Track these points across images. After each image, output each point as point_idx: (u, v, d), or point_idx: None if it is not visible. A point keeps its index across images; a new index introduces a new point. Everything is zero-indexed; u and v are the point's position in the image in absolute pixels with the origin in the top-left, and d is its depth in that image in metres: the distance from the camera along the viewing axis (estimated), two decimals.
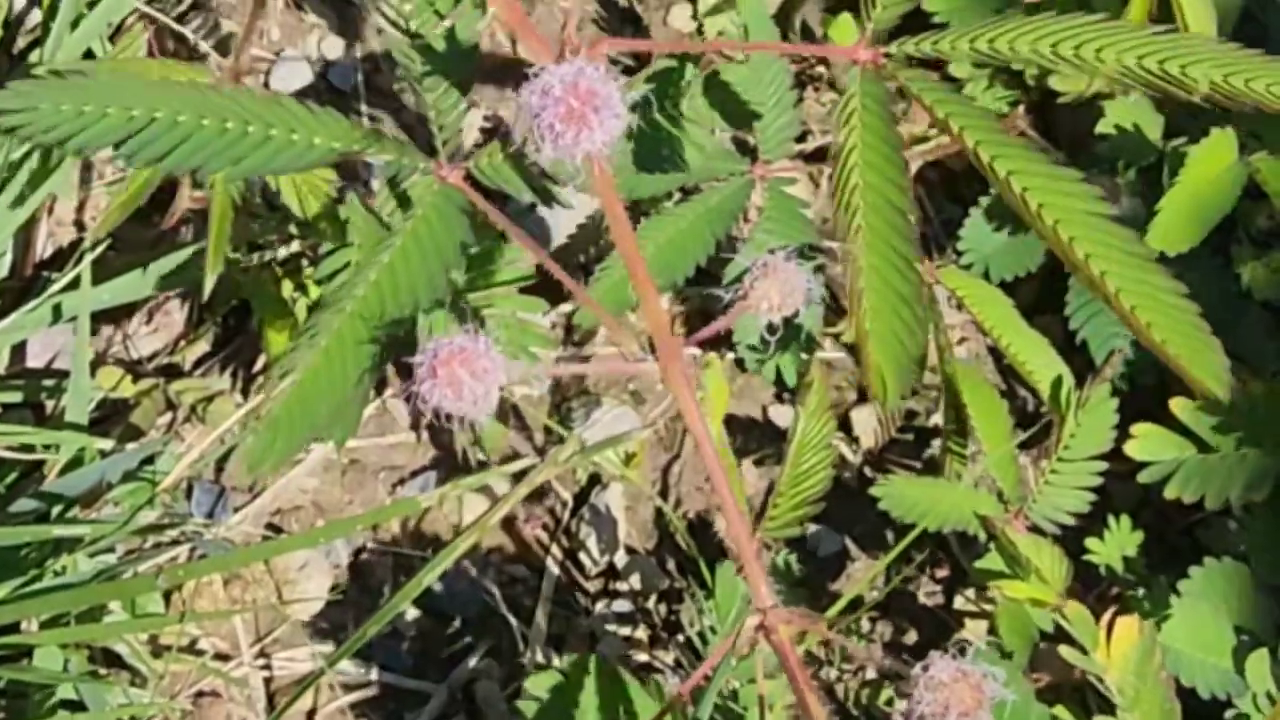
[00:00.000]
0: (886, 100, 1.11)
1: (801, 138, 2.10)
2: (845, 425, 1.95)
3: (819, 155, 2.14)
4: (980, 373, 1.78)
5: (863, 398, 1.97)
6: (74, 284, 1.59)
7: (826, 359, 1.99)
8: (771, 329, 1.21)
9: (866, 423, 1.96)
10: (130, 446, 1.52)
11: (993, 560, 1.69)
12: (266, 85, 2.02)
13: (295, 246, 1.66)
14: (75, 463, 1.52)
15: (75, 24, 1.66)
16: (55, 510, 1.49)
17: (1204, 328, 1.07)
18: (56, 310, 1.61)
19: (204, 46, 1.90)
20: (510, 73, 2.09)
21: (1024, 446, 1.88)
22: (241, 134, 1.25)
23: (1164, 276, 1.08)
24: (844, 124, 1.10)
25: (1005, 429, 1.74)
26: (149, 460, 1.63)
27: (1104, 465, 1.73)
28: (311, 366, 1.22)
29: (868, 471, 1.94)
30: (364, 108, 2.05)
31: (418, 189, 1.36)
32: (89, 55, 1.75)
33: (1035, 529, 1.72)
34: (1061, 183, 1.10)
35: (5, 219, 1.61)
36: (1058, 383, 1.74)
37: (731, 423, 1.91)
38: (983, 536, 1.72)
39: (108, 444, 1.52)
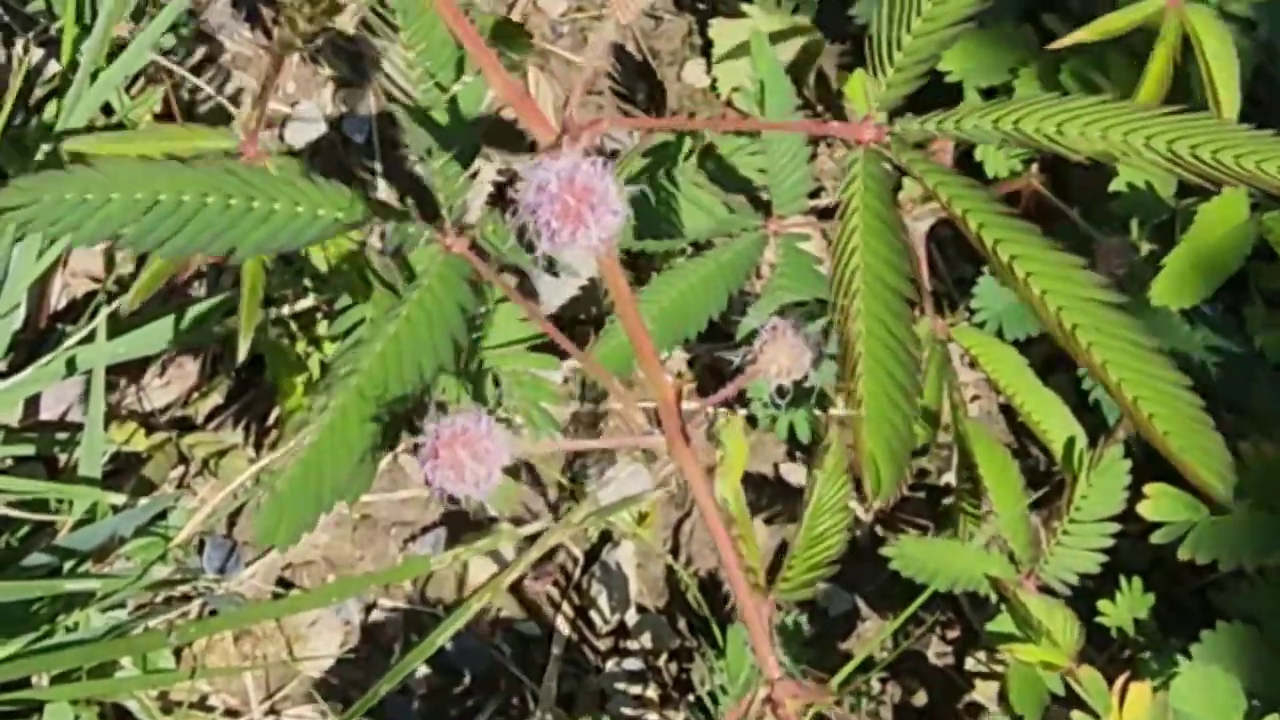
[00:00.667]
0: (888, 182, 1.11)
1: (815, 194, 2.11)
2: (857, 483, 1.95)
3: (832, 212, 2.13)
4: (992, 433, 1.78)
5: None
6: (89, 338, 1.60)
7: (841, 417, 1.98)
8: (781, 392, 1.22)
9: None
10: (143, 501, 1.53)
11: (1004, 622, 1.69)
12: (281, 138, 2.04)
13: (310, 300, 1.66)
14: (88, 517, 1.53)
15: (94, 76, 1.67)
16: (67, 565, 1.50)
17: (1207, 422, 1.06)
18: (71, 364, 1.62)
19: (221, 100, 1.91)
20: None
21: (1036, 505, 1.87)
22: (245, 210, 1.26)
23: (1168, 369, 1.08)
24: (845, 208, 1.11)
25: (1017, 490, 1.74)
26: (161, 515, 1.63)
27: (1116, 527, 1.73)
28: (316, 443, 1.23)
29: (879, 530, 1.94)
30: (377, 158, 2.06)
31: (423, 258, 1.36)
32: (107, 109, 1.76)
33: (1047, 589, 1.72)
34: (1065, 269, 1.10)
35: (21, 274, 1.62)
36: (1070, 443, 1.74)
37: (744, 480, 1.90)
38: (994, 597, 1.72)
39: (120, 499, 1.53)
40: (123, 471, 1.77)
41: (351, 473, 1.22)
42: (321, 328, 1.74)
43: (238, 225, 1.25)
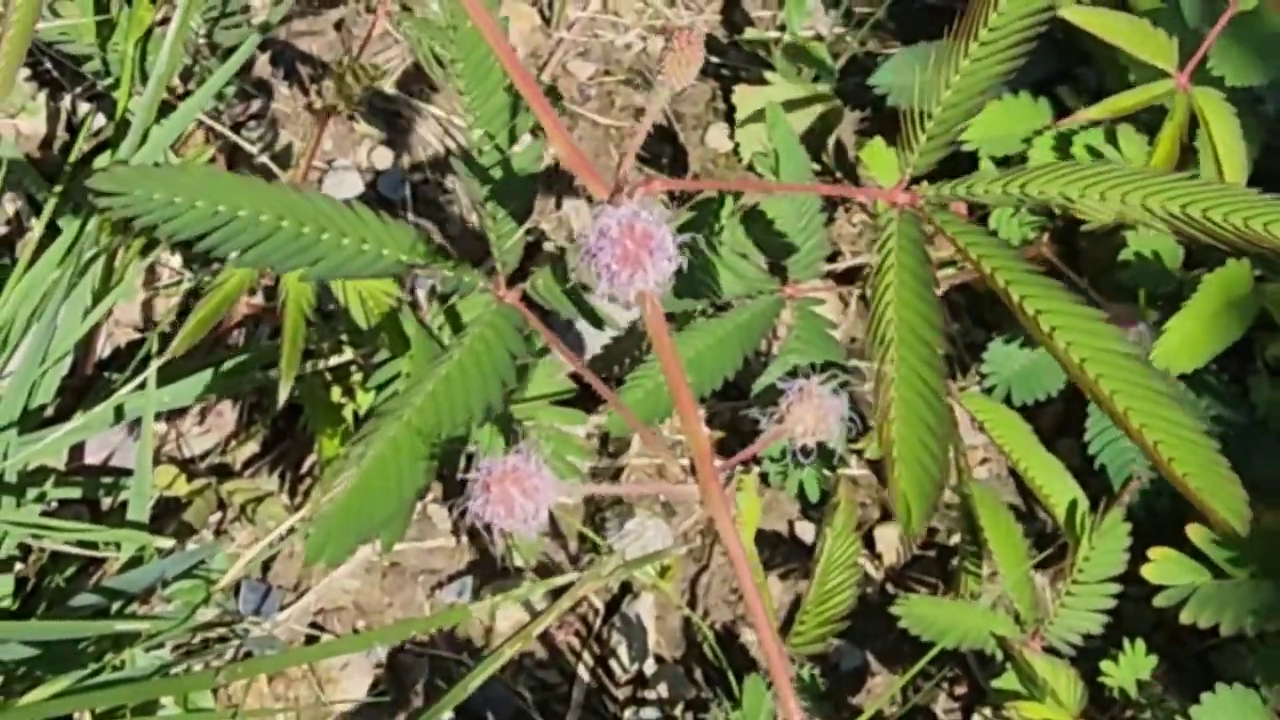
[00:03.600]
0: (922, 241, 1.18)
1: (832, 258, 2.18)
2: (869, 542, 2.01)
3: (848, 276, 2.21)
4: (998, 496, 1.83)
5: (886, 515, 2.03)
6: (137, 384, 1.66)
7: (851, 475, 2.05)
8: (806, 452, 1.28)
9: (889, 540, 2.02)
10: (190, 546, 1.58)
11: (1010, 680, 1.74)
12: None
13: (347, 354, 1.72)
14: (135, 560, 1.58)
15: (144, 137, 1.73)
16: (114, 605, 1.55)
17: (1224, 463, 1.13)
18: (118, 411, 1.67)
19: (264, 159, 1.98)
20: (552, 186, 2.18)
21: (1043, 566, 1.93)
22: (316, 239, 1.33)
23: (1186, 414, 1.14)
24: (881, 265, 1.17)
25: (1021, 552, 1.79)
26: (201, 560, 1.68)
27: (1118, 587, 1.78)
28: (366, 470, 1.29)
29: (890, 588, 2.00)
30: (410, 216, 2.13)
31: (474, 306, 1.43)
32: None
33: (1051, 650, 1.77)
34: (1088, 322, 1.16)
35: (71, 327, 1.68)
36: (1073, 506, 1.80)
37: (758, 538, 1.96)
38: (1000, 656, 1.77)
39: (167, 543, 1.58)
40: (163, 515, 1.82)
41: (397, 506, 1.28)
42: (357, 381, 1.80)
43: (307, 251, 1.33)
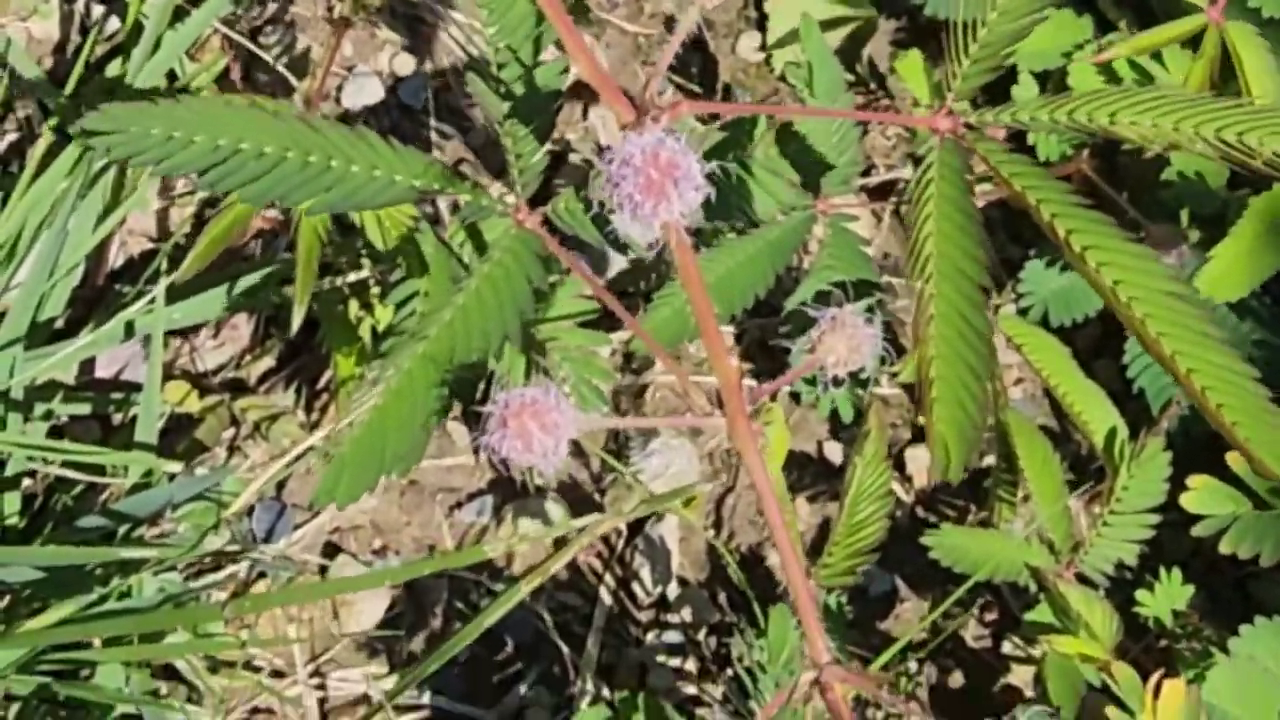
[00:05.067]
0: (965, 171, 1.12)
1: (865, 172, 2.12)
2: (899, 464, 1.96)
3: (882, 190, 2.15)
4: (1034, 425, 1.78)
5: (917, 436, 1.98)
6: (147, 302, 1.61)
7: (882, 395, 2.00)
8: (837, 382, 1.23)
9: (920, 462, 1.97)
10: (199, 471, 1.54)
11: (1043, 612, 1.70)
12: (338, 101, 2.04)
13: (364, 270, 1.67)
14: (144, 482, 1.54)
15: (157, 43, 1.67)
16: (122, 529, 1.51)
17: (1275, 412, 1.08)
18: (129, 327, 1.63)
19: (280, 68, 1.92)
20: (579, 94, 2.12)
21: (1076, 486, 1.89)
22: (324, 168, 1.27)
23: (1236, 359, 1.09)
24: (920, 195, 1.12)
25: (1058, 482, 1.75)
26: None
27: (1156, 518, 1.74)
28: (381, 406, 1.24)
29: (920, 511, 1.95)
30: (433, 124, 2.07)
31: (494, 230, 1.37)
32: (170, 74, 1.77)
33: (1085, 579, 1.73)
34: (1138, 260, 1.11)
35: (82, 237, 1.63)
36: (1111, 434, 1.75)
37: (786, 459, 1.92)
38: (1034, 587, 1.73)
39: (176, 466, 1.54)
40: (174, 431, 1.78)
41: (412, 439, 1.23)
42: (375, 296, 1.75)
43: (314, 182, 1.26)
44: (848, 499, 1.57)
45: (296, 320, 1.50)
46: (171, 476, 1.55)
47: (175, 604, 1.50)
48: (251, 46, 1.95)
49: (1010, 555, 1.72)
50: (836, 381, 1.23)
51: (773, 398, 1.90)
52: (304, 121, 1.28)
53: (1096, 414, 1.77)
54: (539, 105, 1.32)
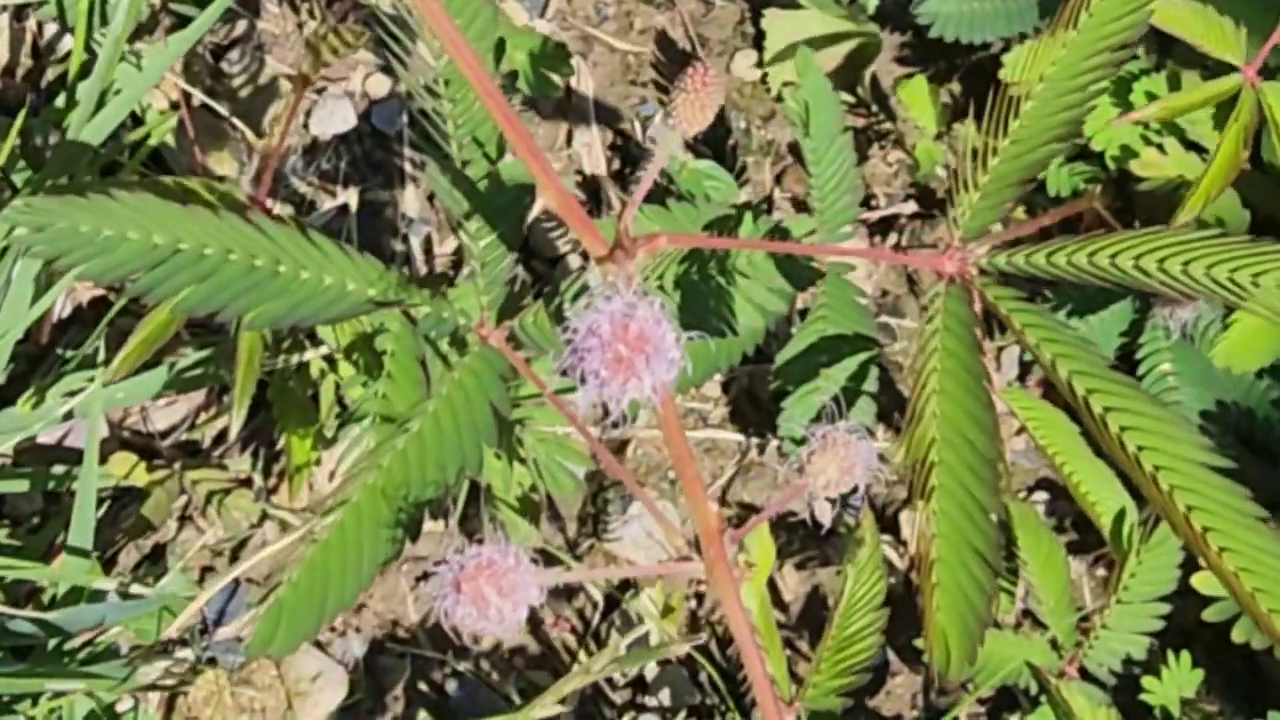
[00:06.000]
0: (974, 323, 1.01)
1: (865, 201, 1.99)
2: (893, 527, 1.85)
3: (883, 225, 2.03)
4: (1038, 518, 1.68)
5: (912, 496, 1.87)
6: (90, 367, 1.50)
7: (878, 450, 1.88)
8: (828, 505, 1.13)
9: (916, 525, 1.86)
10: (138, 591, 1.41)
11: (1045, 715, 1.59)
12: (306, 127, 1.92)
13: (320, 350, 1.55)
14: (79, 588, 1.42)
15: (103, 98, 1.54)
16: (53, 641, 1.39)
17: None
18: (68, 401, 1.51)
19: (236, 122, 1.79)
20: (564, 115, 2.00)
21: (1081, 549, 1.79)
22: (271, 273, 1.15)
23: (1273, 540, 0.98)
24: (924, 348, 1.00)
25: (1063, 578, 1.66)
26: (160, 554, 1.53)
27: (1166, 608, 1.65)
28: (326, 543, 1.13)
29: (914, 577, 1.84)
30: (407, 154, 1.94)
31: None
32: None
33: (1088, 674, 1.63)
34: (1164, 424, 1.00)
35: (22, 294, 1.51)
36: (1120, 516, 1.65)
37: (774, 523, 1.81)
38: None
39: (109, 584, 1.41)
40: (123, 499, 1.67)
41: (357, 585, 1.12)
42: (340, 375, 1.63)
43: (259, 289, 1.15)
44: (838, 611, 1.46)
45: (235, 426, 1.38)
46: (105, 594, 1.42)
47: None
48: (208, 101, 1.82)
49: (1011, 654, 1.62)
50: (827, 505, 1.13)
51: (757, 432, 1.80)
52: (250, 222, 1.16)
53: (1105, 494, 1.66)
54: (507, 205, 1.20)
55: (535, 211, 0.96)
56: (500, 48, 1.24)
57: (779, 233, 1.25)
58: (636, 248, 1.00)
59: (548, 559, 1.77)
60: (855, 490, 1.13)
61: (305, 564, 1.12)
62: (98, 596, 1.39)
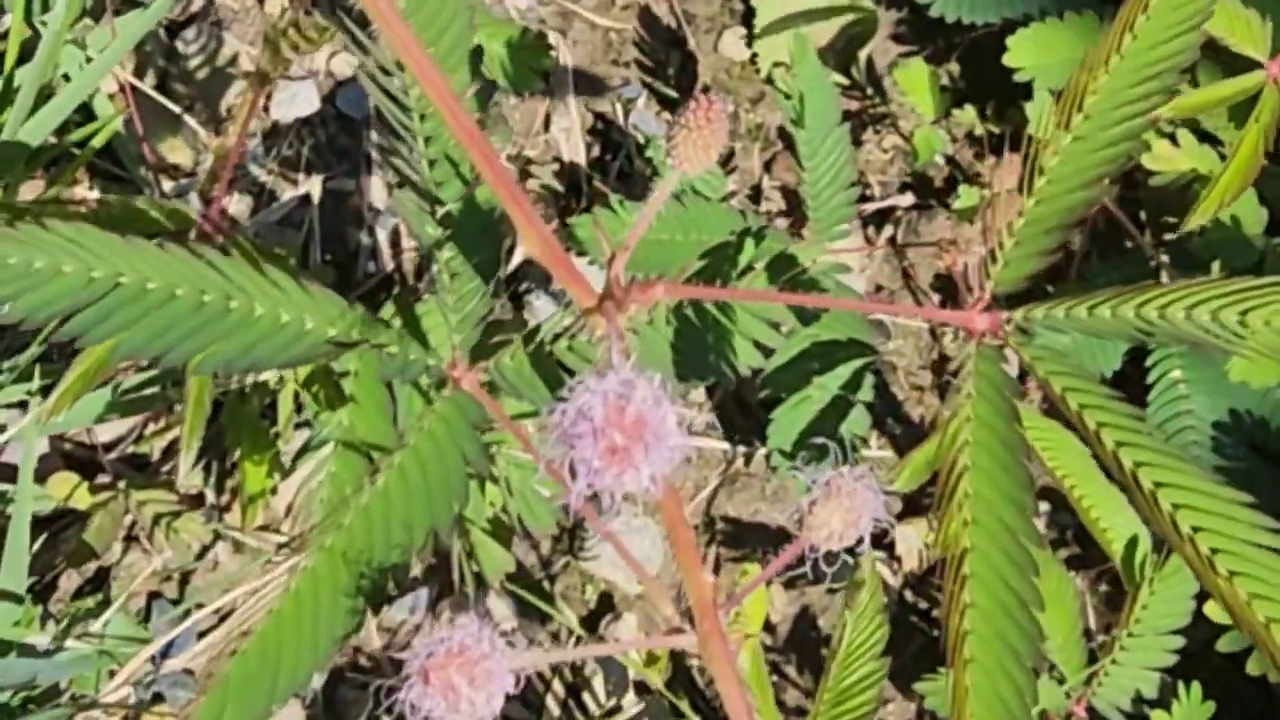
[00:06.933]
0: (1007, 387, 0.89)
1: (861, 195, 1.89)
2: (887, 543, 1.75)
3: (878, 217, 1.92)
4: (1046, 549, 1.58)
5: (908, 511, 1.77)
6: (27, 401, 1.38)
7: (871, 458, 1.78)
8: (830, 558, 1.02)
9: (911, 542, 1.76)
10: (74, 646, 1.29)
11: None
12: (266, 110, 1.79)
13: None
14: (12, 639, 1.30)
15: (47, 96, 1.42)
16: None
17: None
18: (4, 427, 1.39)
19: (188, 120, 1.66)
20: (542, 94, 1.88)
21: (1084, 564, 1.70)
22: (222, 311, 1.03)
23: None
24: (954, 417, 0.89)
25: (1071, 612, 1.56)
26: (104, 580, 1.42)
27: (1179, 642, 1.56)
28: (278, 613, 1.01)
29: (909, 595, 1.74)
30: (374, 139, 1.82)
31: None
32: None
33: (1096, 713, 1.54)
34: (1214, 499, 0.89)
35: None
36: (1132, 545, 1.55)
37: (762, 534, 1.71)
38: None
39: (43, 639, 1.30)
40: (64, 519, 1.55)
41: (312, 662, 1.00)
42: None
43: (208, 329, 1.03)
44: (837, 658, 1.35)
45: (184, 469, 1.26)
46: (38, 650, 1.30)
47: None
48: (158, 97, 1.69)
49: None
50: (830, 558, 1.02)
51: (746, 444, 1.70)
52: (198, 255, 1.04)
53: (1117, 520, 1.56)
54: (483, 233, 1.08)
55: (516, 261, 0.84)
56: (478, 55, 1.11)
57: (783, 262, 1.13)
58: (629, 299, 0.89)
59: (520, 582, 1.66)
60: (860, 542, 1.03)
61: (256, 635, 1.01)
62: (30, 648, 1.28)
